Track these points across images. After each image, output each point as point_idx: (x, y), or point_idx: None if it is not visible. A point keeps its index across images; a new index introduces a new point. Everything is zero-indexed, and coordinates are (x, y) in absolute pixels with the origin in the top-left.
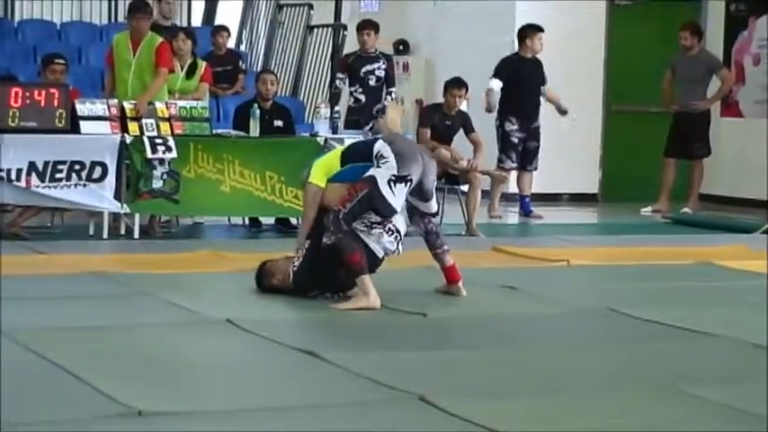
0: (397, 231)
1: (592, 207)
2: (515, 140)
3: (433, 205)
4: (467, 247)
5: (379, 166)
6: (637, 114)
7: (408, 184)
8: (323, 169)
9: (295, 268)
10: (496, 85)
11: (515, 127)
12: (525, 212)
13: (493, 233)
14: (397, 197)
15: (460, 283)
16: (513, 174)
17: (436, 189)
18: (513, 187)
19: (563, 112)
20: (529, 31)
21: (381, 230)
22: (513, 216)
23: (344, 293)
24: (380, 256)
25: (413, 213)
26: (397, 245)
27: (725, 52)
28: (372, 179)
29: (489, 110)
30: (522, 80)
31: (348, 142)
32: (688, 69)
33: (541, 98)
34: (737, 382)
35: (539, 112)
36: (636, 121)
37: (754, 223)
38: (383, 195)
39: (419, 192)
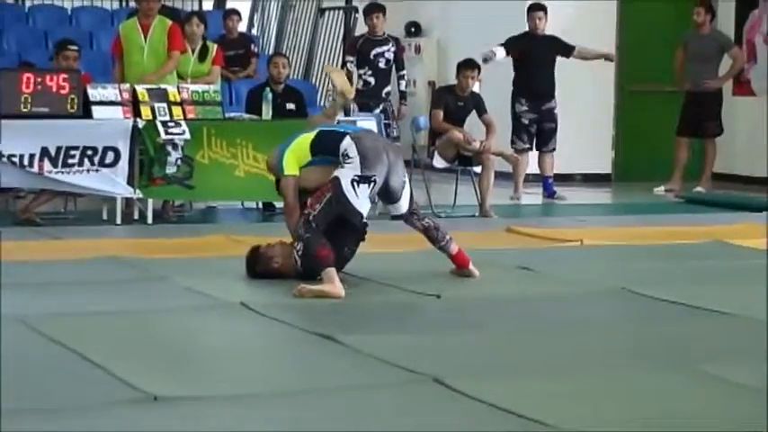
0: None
1: (605, 187)
2: (526, 122)
3: (403, 205)
4: (480, 228)
5: (343, 166)
6: (649, 94)
7: (372, 184)
8: (294, 160)
9: (301, 253)
10: (499, 51)
11: (525, 108)
12: (548, 194)
13: (506, 214)
14: (360, 198)
15: (471, 266)
16: (532, 155)
17: (449, 170)
18: (530, 169)
19: (608, 58)
20: (529, 9)
21: None
22: (528, 197)
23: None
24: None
25: (400, 218)
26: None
27: (736, 31)
28: (336, 180)
29: (483, 59)
30: (530, 59)
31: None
32: (700, 48)
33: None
34: (754, 360)
35: (552, 92)
36: (648, 100)
37: (766, 201)
38: (346, 197)
39: (385, 193)
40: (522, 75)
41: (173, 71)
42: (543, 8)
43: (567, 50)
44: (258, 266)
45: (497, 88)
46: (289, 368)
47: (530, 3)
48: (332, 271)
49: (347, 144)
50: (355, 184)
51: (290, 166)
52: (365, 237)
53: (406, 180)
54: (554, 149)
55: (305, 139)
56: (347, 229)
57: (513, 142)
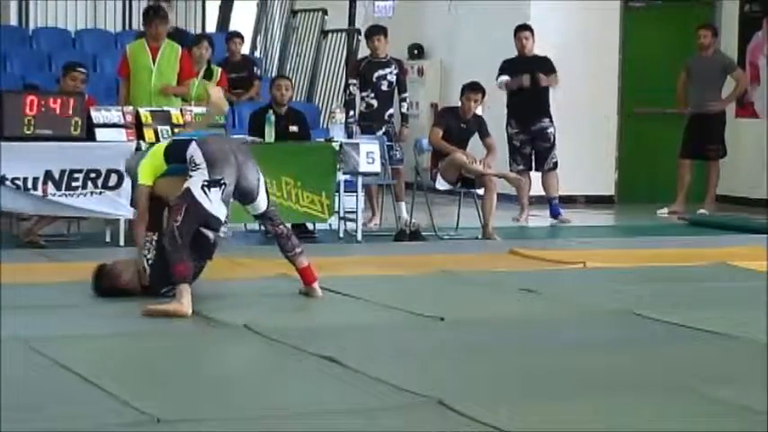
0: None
1: (608, 209)
2: (517, 144)
3: (261, 204)
4: (483, 251)
5: (191, 174)
6: (652, 116)
7: (222, 187)
8: (149, 169)
9: (151, 262)
10: (504, 78)
11: (516, 130)
12: (553, 215)
13: (509, 236)
14: (214, 203)
15: (316, 285)
16: (535, 177)
17: (452, 192)
18: (535, 190)
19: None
20: (516, 30)
21: None
22: (532, 219)
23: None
24: (212, 241)
25: (259, 218)
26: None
27: (739, 53)
28: (187, 191)
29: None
30: None
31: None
32: (703, 70)
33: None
34: (756, 383)
35: (544, 111)
36: (651, 122)
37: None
38: (200, 203)
39: (239, 194)
40: (512, 96)
41: (183, 95)
42: (529, 28)
43: (550, 71)
44: (104, 282)
45: (498, 112)
46: (292, 390)
47: (516, 24)
48: (184, 288)
49: (192, 150)
50: (206, 189)
51: (145, 176)
52: (212, 255)
53: (261, 179)
54: (553, 169)
55: (159, 148)
56: (195, 244)
57: (510, 165)
